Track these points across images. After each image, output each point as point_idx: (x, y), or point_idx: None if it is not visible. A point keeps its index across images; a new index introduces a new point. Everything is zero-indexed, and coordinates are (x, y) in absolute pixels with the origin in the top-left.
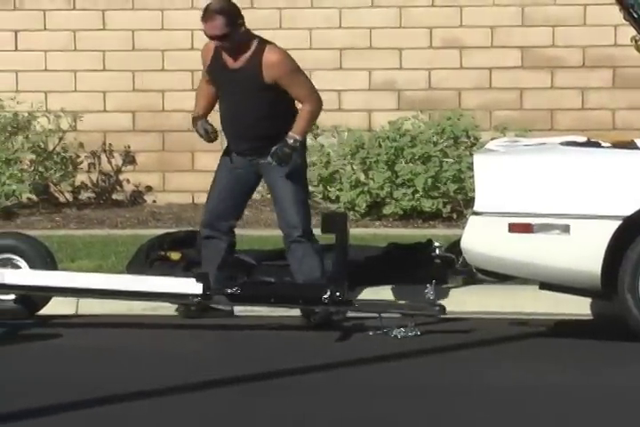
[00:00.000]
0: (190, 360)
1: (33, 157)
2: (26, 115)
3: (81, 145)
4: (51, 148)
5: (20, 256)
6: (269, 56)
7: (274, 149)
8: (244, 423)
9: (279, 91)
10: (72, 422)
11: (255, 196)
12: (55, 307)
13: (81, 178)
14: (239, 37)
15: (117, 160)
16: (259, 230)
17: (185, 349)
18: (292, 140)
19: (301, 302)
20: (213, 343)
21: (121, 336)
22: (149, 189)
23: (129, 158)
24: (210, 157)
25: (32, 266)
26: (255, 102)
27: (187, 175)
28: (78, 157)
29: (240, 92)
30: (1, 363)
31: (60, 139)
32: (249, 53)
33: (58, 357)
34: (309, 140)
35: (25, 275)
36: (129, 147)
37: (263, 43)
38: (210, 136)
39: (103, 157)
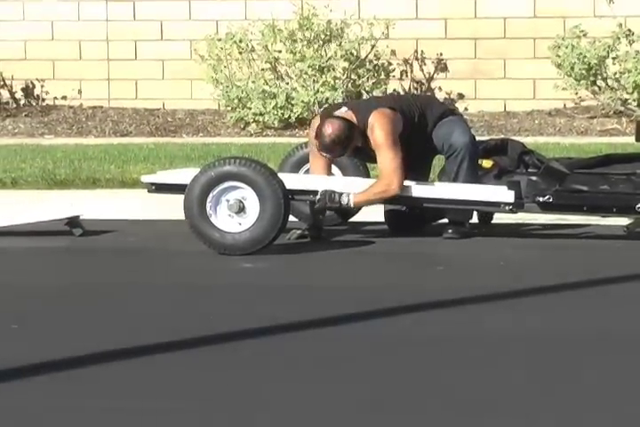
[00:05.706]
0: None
1: (345, 64)
2: (339, 23)
3: (393, 53)
4: (363, 55)
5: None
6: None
7: (325, 195)
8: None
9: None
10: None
11: (566, 104)
12: (366, 215)
13: (393, 85)
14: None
15: (429, 68)
16: (570, 138)
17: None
18: (346, 200)
19: (615, 210)
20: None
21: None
22: (461, 96)
23: (441, 66)
24: (522, 65)
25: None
26: None
27: (499, 83)
28: (390, 64)
29: None
30: (310, 266)
31: (373, 46)
32: None
33: (364, 260)
34: (625, 47)
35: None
36: (441, 54)
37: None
38: None
39: (415, 64)
